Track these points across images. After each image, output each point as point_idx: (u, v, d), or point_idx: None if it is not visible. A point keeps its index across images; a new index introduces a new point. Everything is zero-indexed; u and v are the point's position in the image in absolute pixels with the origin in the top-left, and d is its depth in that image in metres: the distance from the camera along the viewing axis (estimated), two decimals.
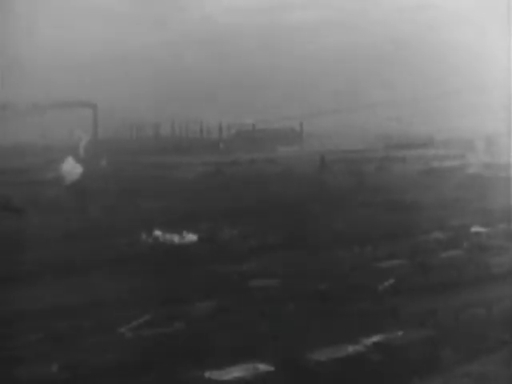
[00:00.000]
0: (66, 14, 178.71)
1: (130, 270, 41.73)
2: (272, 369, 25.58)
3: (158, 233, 50.32)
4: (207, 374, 25.33)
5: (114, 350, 27.98)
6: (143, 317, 31.34)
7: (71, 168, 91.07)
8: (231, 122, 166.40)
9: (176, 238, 49.88)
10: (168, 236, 50.05)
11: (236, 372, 25.40)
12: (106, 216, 61.91)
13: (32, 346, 28.65)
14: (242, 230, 52.90)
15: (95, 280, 39.51)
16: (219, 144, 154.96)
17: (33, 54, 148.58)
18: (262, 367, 25.66)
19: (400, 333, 28.56)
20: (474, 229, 51.59)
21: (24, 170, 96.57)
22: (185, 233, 50.72)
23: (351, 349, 27.00)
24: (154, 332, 30.02)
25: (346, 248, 45.78)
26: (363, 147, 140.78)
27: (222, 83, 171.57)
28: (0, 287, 37.58)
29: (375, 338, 27.86)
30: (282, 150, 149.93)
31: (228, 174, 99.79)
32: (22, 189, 75.61)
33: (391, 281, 36.75)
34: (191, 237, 50.40)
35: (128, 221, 57.96)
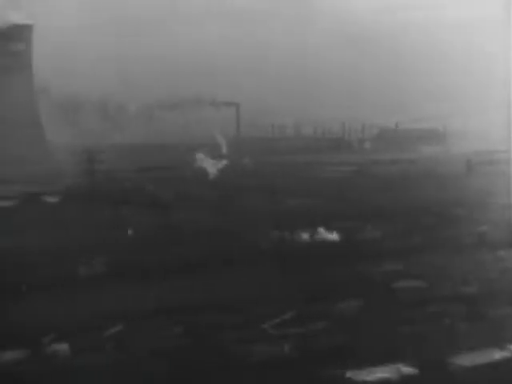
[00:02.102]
0: (197, 15, 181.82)
1: (274, 267, 42.09)
2: (416, 371, 25.31)
3: (300, 231, 50.54)
4: (348, 374, 25.28)
5: (257, 346, 28.34)
6: (286, 314, 31.61)
7: (212, 165, 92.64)
8: (374, 121, 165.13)
9: (318, 237, 49.97)
10: (310, 235, 50.18)
11: (378, 373, 25.23)
12: (248, 213, 62.59)
13: (172, 340, 29.40)
14: (384, 231, 52.49)
15: (239, 276, 40.08)
16: (361, 144, 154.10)
17: (176, 55, 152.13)
18: (406, 369, 25.40)
19: None
20: None
21: (169, 167, 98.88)
22: (327, 232, 50.74)
23: (497, 355, 26.36)
24: (297, 330, 30.19)
25: (492, 251, 44.78)
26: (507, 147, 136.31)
27: (366, 83, 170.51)
28: (143, 283, 38.77)
29: None
30: (424, 150, 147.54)
31: (370, 174, 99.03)
32: (167, 185, 77.40)
33: None
34: (333, 236, 50.38)
35: (270, 218, 58.34)
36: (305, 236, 50.33)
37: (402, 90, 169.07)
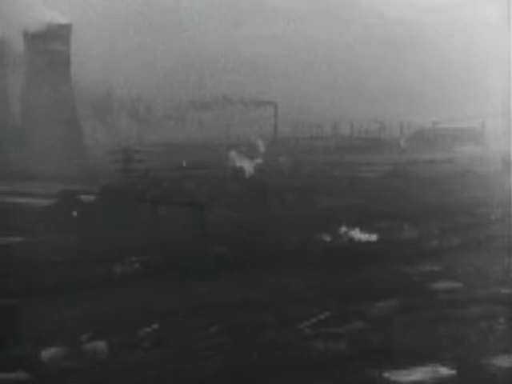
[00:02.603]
0: (233, 13, 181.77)
1: (310, 266, 42.02)
2: (453, 373, 25.10)
3: (336, 231, 50.37)
4: (386, 375, 25.14)
5: (292, 345, 28.29)
6: (323, 314, 31.51)
7: (249, 164, 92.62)
8: (411, 120, 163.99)
9: (356, 237, 49.74)
10: (348, 234, 49.99)
11: (416, 374, 25.07)
12: (284, 213, 62.51)
13: (209, 339, 29.44)
14: (421, 231, 52.14)
15: (276, 276, 40.06)
16: (399, 143, 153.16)
17: (214, 54, 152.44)
18: (443, 370, 25.22)
19: None
20: None
21: (206, 167, 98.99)
22: (363, 232, 50.52)
23: None
24: (333, 330, 30.08)
25: None
26: None
27: (404, 82, 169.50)
28: (180, 282, 38.89)
29: None
30: (462, 149, 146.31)
31: (407, 173, 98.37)
32: (204, 184, 77.52)
33: None
34: (370, 236, 50.14)
35: (307, 218, 58.23)
36: (341, 236, 50.14)
37: (440, 88, 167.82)
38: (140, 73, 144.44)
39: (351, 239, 49.70)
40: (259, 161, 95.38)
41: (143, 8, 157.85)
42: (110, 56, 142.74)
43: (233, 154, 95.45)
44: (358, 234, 50.11)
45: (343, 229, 51.02)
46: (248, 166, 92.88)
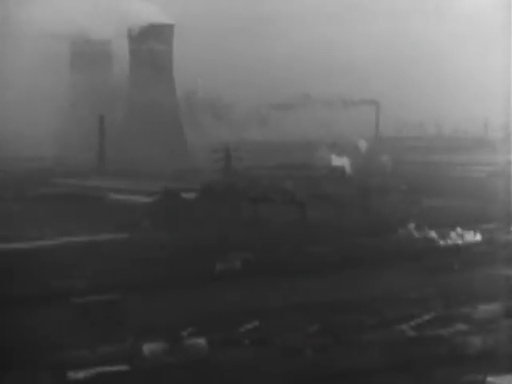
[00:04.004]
0: (332, 12, 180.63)
1: (413, 267, 41.45)
2: None
3: (439, 231, 49.57)
4: (490, 379, 24.53)
5: (394, 347, 27.88)
6: (425, 316, 30.97)
7: (349, 163, 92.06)
8: None
9: (460, 238, 48.82)
10: (449, 235, 49.13)
11: None
12: (385, 212, 61.83)
13: (308, 338, 29.28)
14: None
15: (377, 276, 39.64)
16: (502, 143, 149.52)
17: (315, 54, 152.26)
18: None
19: None
20: None
21: (304, 165, 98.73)
22: (467, 232, 49.58)
23: None
24: (435, 332, 29.52)
25: None
26: None
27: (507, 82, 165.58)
28: (279, 280, 38.85)
29: None
30: None
31: (510, 174, 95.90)
32: (303, 183, 77.33)
33: None
34: (474, 236, 49.16)
35: (408, 217, 57.32)
36: (444, 236, 49.32)
37: None
38: (226, 72, 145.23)
39: (454, 239, 48.78)
40: (360, 160, 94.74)
41: (232, 9, 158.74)
42: (196, 56, 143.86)
43: (332, 153, 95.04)
44: (461, 235, 49.16)
45: (445, 229, 50.18)
46: (348, 165, 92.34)
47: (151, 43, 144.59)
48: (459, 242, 48.88)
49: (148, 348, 28.54)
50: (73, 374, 26.41)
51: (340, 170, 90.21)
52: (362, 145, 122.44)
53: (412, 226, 52.46)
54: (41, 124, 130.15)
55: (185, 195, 68.27)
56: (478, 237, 49.49)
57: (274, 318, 31.89)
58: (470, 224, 52.12)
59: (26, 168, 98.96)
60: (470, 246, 48.01)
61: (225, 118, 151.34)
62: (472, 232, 49.92)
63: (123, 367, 26.99)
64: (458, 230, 49.85)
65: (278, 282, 39.00)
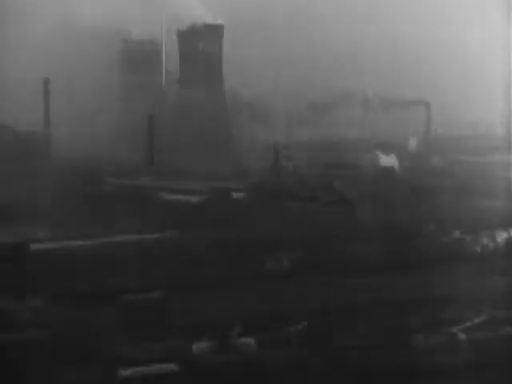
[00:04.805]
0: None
1: (463, 269, 41.02)
2: None
3: (492, 233, 49.01)
4: None
5: (446, 349, 27.60)
6: (478, 318, 30.58)
7: (398, 163, 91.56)
8: None
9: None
10: (504, 237, 48.57)
11: None
12: (435, 213, 61.27)
13: (358, 339, 29.14)
14: None
15: (425, 277, 39.31)
16: None
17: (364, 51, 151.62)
18: None
19: None
20: None
21: (353, 164, 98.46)
22: None
23: None
24: (486, 335, 29.15)
25: None
26: None
27: None
28: (329, 279, 38.70)
29: None
30: None
31: None
32: (353, 182, 77.13)
33: None
34: None
35: (458, 219, 56.77)
36: (497, 238, 48.73)
37: None
38: (268, 72, 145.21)
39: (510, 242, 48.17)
40: (410, 160, 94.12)
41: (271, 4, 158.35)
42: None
43: (381, 152, 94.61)
44: None
45: (499, 231, 49.55)
46: (397, 164, 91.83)
47: (202, 43, 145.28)
48: None
49: (197, 347, 28.63)
50: (123, 372, 26.64)
51: (389, 170, 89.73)
52: (412, 144, 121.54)
53: (464, 227, 51.93)
54: (93, 124, 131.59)
55: (234, 194, 68.44)
56: None
57: (324, 317, 31.78)
58: None
59: (80, 167, 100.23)
60: None
61: (268, 117, 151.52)
62: None
63: (172, 366, 27.11)
64: None
65: (327, 281, 38.85)
